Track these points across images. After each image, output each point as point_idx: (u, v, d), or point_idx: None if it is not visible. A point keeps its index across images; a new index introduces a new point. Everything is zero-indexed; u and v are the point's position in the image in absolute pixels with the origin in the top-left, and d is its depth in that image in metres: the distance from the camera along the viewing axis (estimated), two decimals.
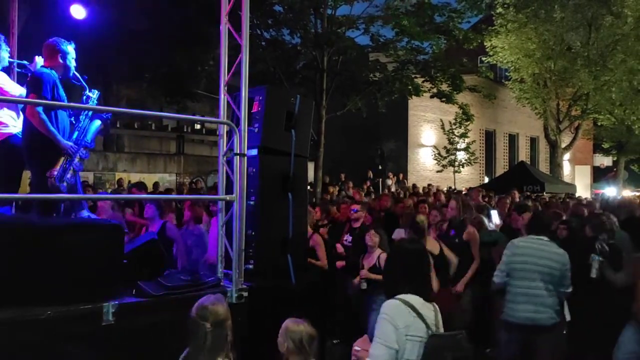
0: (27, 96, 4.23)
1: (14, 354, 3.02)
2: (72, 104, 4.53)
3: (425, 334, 2.63)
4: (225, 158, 4.69)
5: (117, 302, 3.43)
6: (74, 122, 4.43)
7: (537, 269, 4.56)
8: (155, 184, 16.30)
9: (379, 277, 4.31)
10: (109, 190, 16.89)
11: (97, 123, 4.47)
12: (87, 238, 3.52)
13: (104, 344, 3.33)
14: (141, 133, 23.60)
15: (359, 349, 2.87)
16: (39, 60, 4.51)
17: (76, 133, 4.36)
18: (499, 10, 20.63)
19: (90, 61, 15.65)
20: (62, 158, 4.16)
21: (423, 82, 17.44)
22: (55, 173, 4.09)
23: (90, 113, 4.45)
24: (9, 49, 4.63)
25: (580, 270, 4.95)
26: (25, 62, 4.71)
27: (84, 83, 4.51)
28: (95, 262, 3.47)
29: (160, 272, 4.20)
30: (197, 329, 2.76)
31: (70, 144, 4.22)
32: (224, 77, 4.72)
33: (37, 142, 4.15)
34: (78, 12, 5.79)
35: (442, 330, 2.78)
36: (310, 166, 13.77)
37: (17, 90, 4.55)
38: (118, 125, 21.78)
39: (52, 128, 4.08)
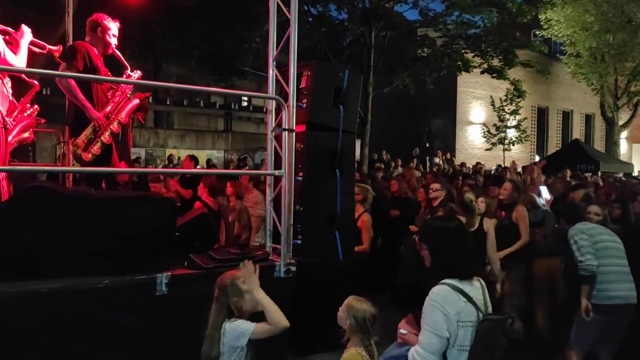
0: (59, 65, 4.25)
1: (72, 320, 3.16)
2: (111, 77, 4.54)
3: (476, 318, 2.56)
4: (273, 134, 4.70)
5: (169, 274, 3.52)
6: (109, 97, 4.43)
7: (616, 246, 4.45)
8: (208, 161, 16.62)
9: None
10: (160, 166, 17.30)
11: (135, 102, 4.51)
12: (142, 211, 3.61)
13: (157, 313, 3.44)
14: (190, 110, 23.94)
15: (405, 332, 2.77)
16: (25, 29, 4.29)
17: (109, 107, 4.37)
18: None
19: (139, 38, 15.95)
20: (90, 128, 4.18)
21: (473, 57, 17.00)
22: (79, 142, 4.15)
23: (129, 92, 4.49)
24: None
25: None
26: (9, 29, 4.25)
27: (124, 62, 4.56)
28: (150, 235, 3.56)
29: (210, 245, 4.30)
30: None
31: (99, 115, 4.21)
32: (273, 52, 4.70)
33: (70, 110, 4.25)
34: None
35: (490, 307, 2.69)
36: (357, 143, 13.70)
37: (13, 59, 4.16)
38: (168, 103, 22.26)
39: (80, 95, 4.09)
